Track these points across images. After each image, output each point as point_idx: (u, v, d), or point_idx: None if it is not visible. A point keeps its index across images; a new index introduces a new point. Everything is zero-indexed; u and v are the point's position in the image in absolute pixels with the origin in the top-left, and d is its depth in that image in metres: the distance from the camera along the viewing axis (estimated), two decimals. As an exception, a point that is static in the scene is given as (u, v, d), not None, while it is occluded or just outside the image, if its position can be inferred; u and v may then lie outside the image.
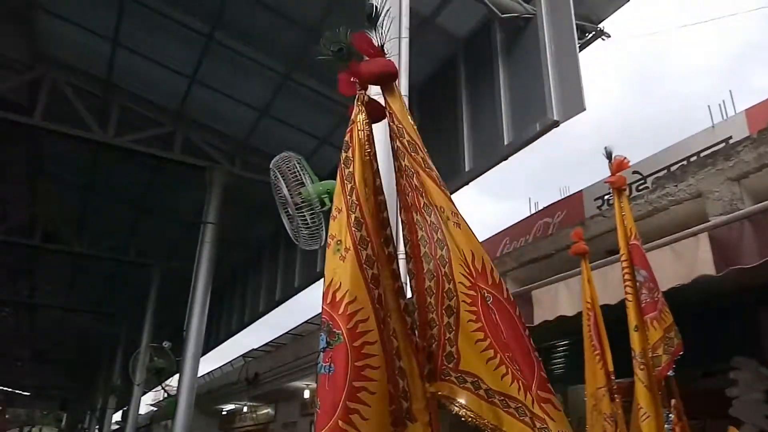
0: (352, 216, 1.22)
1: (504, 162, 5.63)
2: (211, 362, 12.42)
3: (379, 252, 1.25)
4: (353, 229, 1.22)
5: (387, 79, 1.34)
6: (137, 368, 11.33)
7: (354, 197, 1.25)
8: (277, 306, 10.61)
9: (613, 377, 2.59)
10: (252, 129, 8.08)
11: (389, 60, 1.31)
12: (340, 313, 1.14)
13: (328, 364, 1.11)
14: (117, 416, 17.03)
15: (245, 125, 8.07)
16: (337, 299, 1.16)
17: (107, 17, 6.71)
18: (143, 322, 12.02)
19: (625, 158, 2.75)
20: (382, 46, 1.29)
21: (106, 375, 17.31)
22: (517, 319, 1.29)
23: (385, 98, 1.36)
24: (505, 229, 9.95)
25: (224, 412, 15.40)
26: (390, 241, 1.33)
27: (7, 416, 17.04)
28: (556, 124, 4.95)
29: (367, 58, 1.30)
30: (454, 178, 5.88)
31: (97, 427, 16.70)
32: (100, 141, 7.82)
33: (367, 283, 1.19)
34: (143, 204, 10.22)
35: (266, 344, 12.26)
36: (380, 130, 1.39)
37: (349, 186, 1.27)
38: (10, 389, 28.83)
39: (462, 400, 1.22)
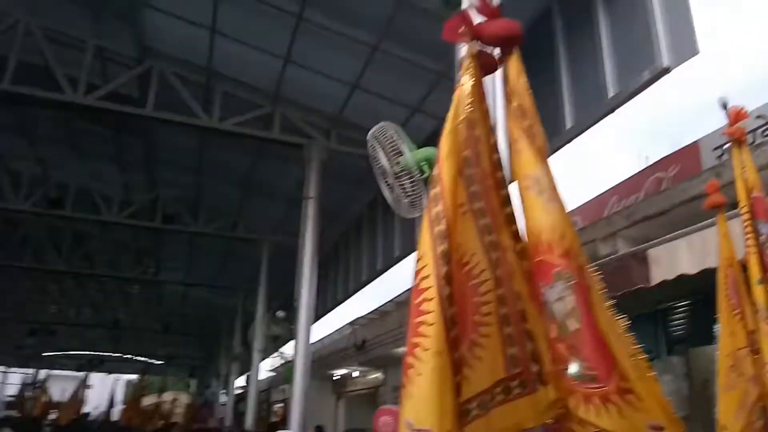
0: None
1: (609, 116, 5.30)
2: (321, 330, 13.12)
3: (496, 210, 1.23)
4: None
5: (511, 43, 1.29)
6: (255, 337, 12.15)
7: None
8: (379, 275, 10.85)
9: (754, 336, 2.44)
10: (345, 103, 8.18)
11: (514, 21, 1.25)
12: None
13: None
14: (240, 381, 18.37)
15: (338, 100, 8.19)
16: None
17: (204, 7, 7.01)
18: (257, 293, 12.76)
19: (742, 108, 2.55)
20: (498, 5, 1.24)
21: (227, 344, 18.68)
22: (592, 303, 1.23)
23: (501, 60, 1.31)
24: (612, 187, 9.45)
25: (336, 377, 16.13)
26: (509, 202, 1.30)
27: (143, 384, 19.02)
28: (666, 71, 4.56)
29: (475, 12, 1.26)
30: (555, 137, 5.63)
31: (222, 391, 18.18)
32: (206, 126, 8.27)
33: (479, 235, 1.18)
34: (249, 183, 10.75)
35: (372, 312, 12.63)
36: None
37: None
38: (145, 359, 31.93)
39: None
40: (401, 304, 11.66)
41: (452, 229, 1.15)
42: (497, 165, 1.28)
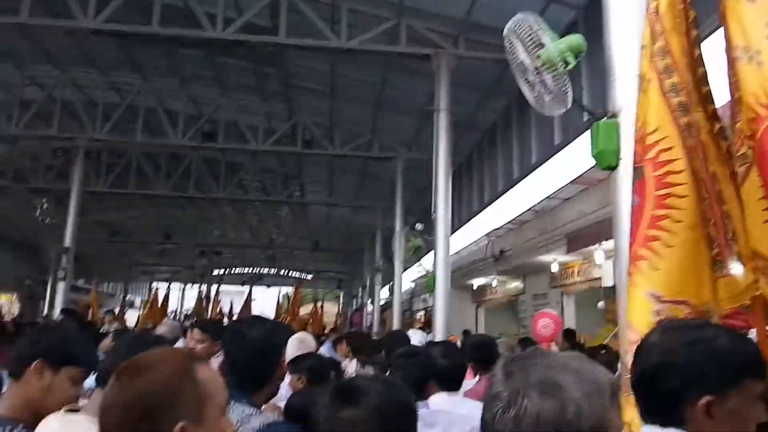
0: (656, 46, 1.15)
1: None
2: (459, 242, 13.37)
3: (692, 88, 1.16)
4: (656, 58, 1.15)
5: None
6: (395, 250, 12.74)
7: (659, 26, 1.16)
8: (516, 184, 10.66)
9: None
10: (471, 5, 7.83)
11: None
12: (642, 144, 1.12)
13: (635, 197, 1.12)
14: (383, 292, 19.52)
15: (464, 3, 7.85)
16: (640, 132, 1.14)
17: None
18: (394, 209, 13.23)
19: None
20: None
21: (370, 258, 19.79)
22: None
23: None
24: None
25: (475, 287, 16.52)
26: (707, 81, 1.21)
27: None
28: None
29: None
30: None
31: (369, 300, 19.49)
32: (335, 47, 8.42)
33: (671, 112, 1.13)
34: (380, 101, 10.89)
35: (509, 222, 12.53)
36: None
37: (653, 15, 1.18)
38: (298, 274, 34.95)
39: None
40: (540, 213, 11.42)
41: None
42: (695, 42, 1.18)
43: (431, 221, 8.66)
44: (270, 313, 24.59)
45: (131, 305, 33.48)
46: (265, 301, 28.78)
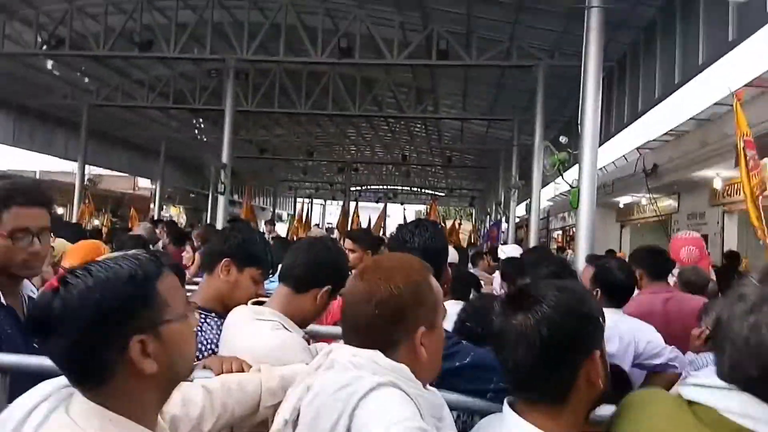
0: None
1: None
2: (604, 156, 12.47)
3: None
4: None
5: None
6: (534, 164, 12.24)
7: None
8: (675, 90, 9.56)
9: None
10: None
11: None
12: None
13: None
14: (519, 210, 19.11)
15: None
16: None
17: None
18: (533, 122, 12.59)
19: None
20: None
21: (506, 174, 19.31)
22: None
23: None
24: None
25: (621, 205, 15.56)
26: None
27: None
28: None
29: None
30: None
31: (502, 218, 19.21)
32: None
33: None
34: (521, 4, 10.14)
35: (665, 133, 11.45)
36: None
37: None
38: (430, 191, 35.31)
39: None
40: (703, 122, 10.25)
41: None
42: None
43: (576, 133, 8.11)
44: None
45: (279, 218, 36.30)
46: (399, 218, 29.61)
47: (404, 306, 1.26)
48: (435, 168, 29.84)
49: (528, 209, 14.91)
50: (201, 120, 21.04)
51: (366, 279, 1.31)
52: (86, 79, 16.77)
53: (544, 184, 13.69)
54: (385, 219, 22.82)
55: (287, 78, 16.00)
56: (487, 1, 10.54)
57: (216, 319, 2.04)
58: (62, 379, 1.07)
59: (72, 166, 19.58)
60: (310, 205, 29.01)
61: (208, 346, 1.95)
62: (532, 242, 12.90)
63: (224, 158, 13.29)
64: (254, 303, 1.94)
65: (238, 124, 14.86)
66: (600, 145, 9.31)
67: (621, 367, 2.39)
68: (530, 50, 11.93)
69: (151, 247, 5.08)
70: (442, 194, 35.36)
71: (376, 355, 1.23)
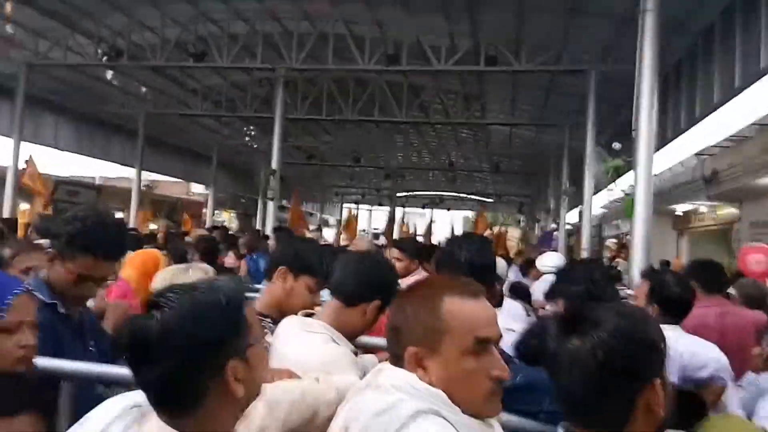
0: None
1: None
2: (660, 163, 12.03)
3: None
4: None
5: None
6: (586, 170, 11.95)
7: None
8: (736, 94, 9.17)
9: None
10: None
11: None
12: None
13: None
14: (570, 217, 18.70)
15: None
16: None
17: None
18: (584, 127, 12.31)
19: None
20: None
21: (555, 180, 18.94)
22: None
23: None
24: None
25: (678, 213, 14.99)
26: None
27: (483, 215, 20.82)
28: None
29: None
30: None
31: (553, 225, 18.84)
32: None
33: None
34: (573, 8, 9.95)
35: (725, 139, 10.97)
36: None
37: None
38: (478, 197, 34.95)
39: None
40: (766, 128, 9.77)
41: None
42: None
43: (630, 139, 7.88)
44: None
45: (326, 223, 36.72)
46: (446, 224, 29.42)
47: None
48: (482, 174, 29.55)
49: (580, 216, 14.56)
50: (251, 127, 21.55)
51: (407, 302, 1.34)
52: (143, 89, 17.44)
53: (597, 190, 13.33)
54: (430, 226, 22.73)
55: (335, 85, 16.20)
56: (537, 7, 10.39)
57: (272, 325, 2.10)
58: (130, 399, 1.10)
59: (129, 172, 20.39)
60: (356, 211, 29.18)
61: None
62: (584, 251, 12.59)
63: (274, 164, 13.55)
64: (305, 314, 1.97)
65: (286, 131, 15.14)
66: (655, 151, 9.03)
67: (695, 391, 2.30)
68: (581, 55, 11.68)
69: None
70: (490, 200, 34.95)
71: (413, 378, 1.24)
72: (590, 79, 11.85)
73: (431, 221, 23.11)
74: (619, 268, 11.91)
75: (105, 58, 13.04)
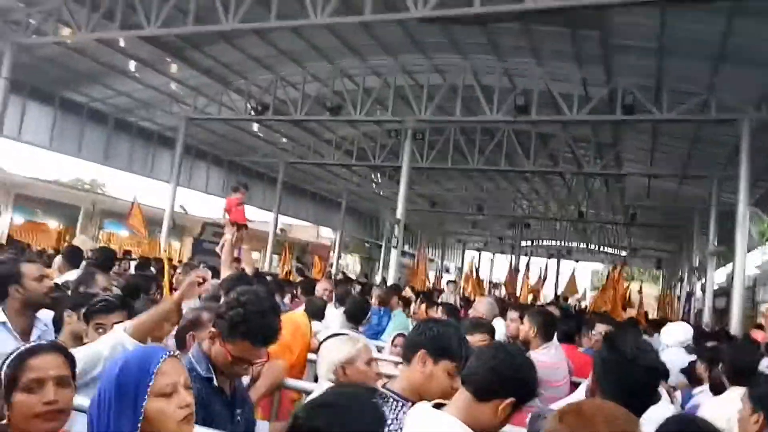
0: None
1: None
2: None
3: None
4: None
5: None
6: (737, 227, 10.80)
7: None
8: None
9: None
10: None
11: None
12: None
13: None
14: (718, 276, 16.96)
15: None
16: None
17: None
18: (736, 181, 11.21)
19: None
20: None
21: (701, 236, 17.34)
22: None
23: None
24: None
25: None
26: None
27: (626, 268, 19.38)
28: None
29: None
30: None
31: (698, 285, 17.16)
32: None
33: None
34: (721, 53, 9.27)
35: None
36: None
37: None
38: (609, 250, 32.93)
39: None
40: None
41: None
42: None
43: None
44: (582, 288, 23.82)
45: (446, 270, 36.49)
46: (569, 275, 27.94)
47: None
48: (616, 225, 27.88)
49: (730, 277, 13.14)
50: (378, 175, 22.32)
51: (566, 423, 1.27)
52: (284, 140, 18.86)
53: (750, 248, 11.98)
54: (575, 280, 21.82)
55: (461, 134, 16.35)
56: (681, 53, 9.82)
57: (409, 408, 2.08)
58: None
59: (267, 216, 21.89)
60: (478, 258, 28.75)
61: None
62: (735, 316, 11.27)
63: (398, 213, 13.84)
64: (435, 405, 1.91)
65: (411, 178, 15.45)
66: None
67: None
68: (731, 103, 10.77)
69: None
70: (624, 254, 32.74)
71: None
72: (743, 128, 10.84)
73: (573, 276, 22.15)
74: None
75: (253, 112, 14.32)
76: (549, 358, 3.39)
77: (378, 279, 17.26)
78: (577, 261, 34.93)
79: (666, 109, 11.33)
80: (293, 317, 3.88)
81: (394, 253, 13.91)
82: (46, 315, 2.79)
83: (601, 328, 4.02)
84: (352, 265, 31.17)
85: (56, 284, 3.40)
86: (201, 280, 2.48)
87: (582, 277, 29.34)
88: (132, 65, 13.02)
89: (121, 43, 11.90)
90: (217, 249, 5.48)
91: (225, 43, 12.37)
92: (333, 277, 13.58)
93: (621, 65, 11.04)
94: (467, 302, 10.64)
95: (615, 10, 8.76)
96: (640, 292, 18.25)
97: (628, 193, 20.71)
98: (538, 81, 12.10)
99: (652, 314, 18.38)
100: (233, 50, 12.84)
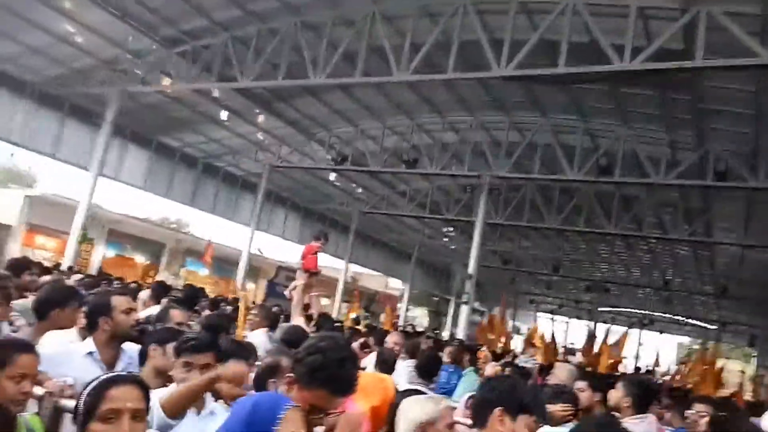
0: None
1: None
2: None
3: None
4: None
5: None
6: None
7: None
8: None
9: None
10: None
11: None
12: None
13: None
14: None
15: None
16: None
17: None
18: None
19: None
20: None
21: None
22: None
23: None
24: None
25: None
26: None
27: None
28: None
29: None
30: None
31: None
32: (763, 64, 7.08)
33: None
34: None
35: None
36: None
37: None
38: (695, 323, 30.70)
39: None
40: None
41: None
42: None
43: None
44: (666, 362, 22.14)
45: (517, 331, 35.18)
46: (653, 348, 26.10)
47: None
48: (704, 297, 26.04)
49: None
50: (451, 228, 22.17)
51: None
52: (359, 189, 19.24)
53: None
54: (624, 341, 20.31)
55: (538, 192, 16.04)
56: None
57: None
58: None
59: (338, 263, 22.15)
60: (552, 322, 27.57)
61: None
62: None
63: (470, 269, 13.60)
64: None
65: (485, 234, 15.22)
66: None
67: None
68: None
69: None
70: (713, 327, 30.40)
71: None
72: None
73: (624, 338, 20.63)
74: None
75: (332, 162, 14.76)
76: (642, 429, 3.14)
77: (446, 334, 16.87)
78: (661, 332, 32.80)
79: (763, 177, 10.65)
80: (378, 381, 3.61)
81: (464, 308, 13.61)
82: (131, 347, 2.87)
83: (699, 408, 3.65)
84: (419, 317, 30.73)
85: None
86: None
87: (666, 349, 27.39)
88: (224, 114, 13.87)
89: (215, 94, 12.74)
90: (286, 292, 5.69)
91: (310, 96, 12.95)
92: (401, 329, 13.40)
93: (713, 130, 10.57)
94: (542, 368, 10.14)
95: (707, 75, 8.47)
96: (742, 372, 16.74)
97: (719, 263, 19.40)
98: (622, 142, 11.75)
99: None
100: (318, 103, 13.41)
